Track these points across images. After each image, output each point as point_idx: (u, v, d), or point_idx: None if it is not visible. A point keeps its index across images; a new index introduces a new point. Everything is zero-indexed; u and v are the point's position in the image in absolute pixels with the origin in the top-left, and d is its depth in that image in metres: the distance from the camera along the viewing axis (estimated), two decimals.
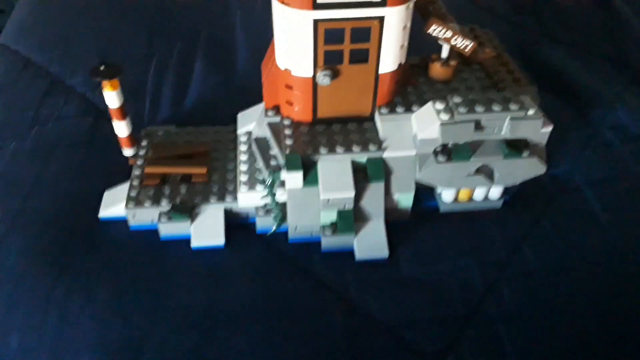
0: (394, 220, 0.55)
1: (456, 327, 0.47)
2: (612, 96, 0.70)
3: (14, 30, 0.88)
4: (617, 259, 0.53)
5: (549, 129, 0.52)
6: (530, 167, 0.53)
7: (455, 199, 0.57)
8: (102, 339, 0.46)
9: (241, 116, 0.63)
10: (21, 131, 0.67)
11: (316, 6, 0.45)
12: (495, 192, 0.57)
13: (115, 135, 0.60)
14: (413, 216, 0.56)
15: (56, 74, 0.76)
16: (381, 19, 0.47)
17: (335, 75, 0.51)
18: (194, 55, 0.79)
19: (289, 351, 0.46)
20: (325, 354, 0.45)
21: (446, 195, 0.57)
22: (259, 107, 0.62)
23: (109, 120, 0.68)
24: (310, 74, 0.50)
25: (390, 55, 0.50)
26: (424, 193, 0.57)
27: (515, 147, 0.52)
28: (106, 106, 0.69)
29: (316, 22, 0.47)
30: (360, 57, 0.50)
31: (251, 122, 0.61)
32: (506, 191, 0.57)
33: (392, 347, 0.46)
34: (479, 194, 0.57)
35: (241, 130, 0.61)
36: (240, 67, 0.78)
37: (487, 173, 0.54)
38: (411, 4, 0.48)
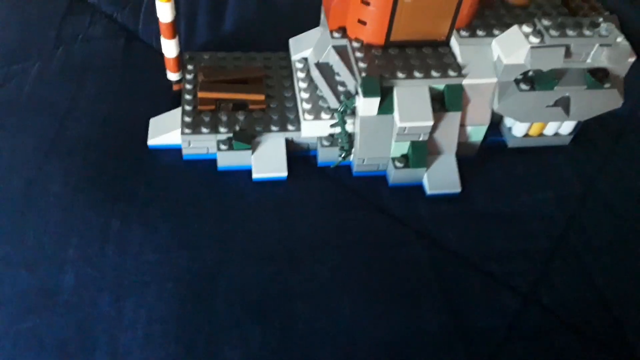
0: (462, 155, 0.53)
1: (543, 260, 0.46)
2: None
3: None
4: None
5: (633, 58, 0.50)
6: (609, 100, 0.51)
7: (526, 134, 0.55)
8: (171, 271, 0.43)
9: (294, 41, 0.58)
10: (44, 51, 0.60)
11: None
12: (567, 127, 0.55)
13: (152, 59, 0.55)
14: (480, 151, 0.54)
15: None
16: None
17: None
18: None
19: (372, 279, 0.44)
20: (412, 285, 0.44)
21: (518, 129, 0.54)
22: (314, 32, 0.57)
23: (142, 43, 0.63)
24: None
25: None
26: (489, 128, 0.55)
27: (596, 79, 0.50)
28: (137, 27, 0.64)
29: None
30: None
31: (306, 48, 0.56)
32: (575, 126, 0.55)
33: (482, 282, 0.44)
34: (550, 129, 0.55)
35: (296, 56, 0.56)
36: None
37: (564, 106, 0.52)
38: None
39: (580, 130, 0.55)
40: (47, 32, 0.63)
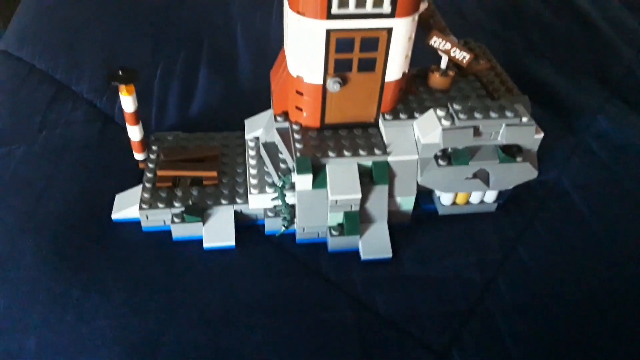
0: (396, 223, 0.58)
1: (458, 321, 0.50)
2: (594, 108, 0.75)
3: (15, 36, 0.89)
4: (605, 256, 0.57)
5: (540, 135, 0.56)
6: (523, 172, 0.57)
7: (453, 203, 0.60)
8: (120, 336, 0.48)
9: (248, 122, 0.65)
10: (29, 135, 0.68)
11: (330, 16, 0.48)
12: (490, 195, 0.60)
13: (125, 140, 0.62)
14: (413, 219, 0.59)
15: (62, 80, 0.77)
16: (389, 30, 0.50)
17: (344, 82, 0.54)
18: (198, 63, 0.81)
19: (302, 343, 0.48)
20: (336, 346, 0.48)
21: (445, 199, 0.60)
22: (266, 114, 0.64)
23: (117, 125, 0.70)
24: (321, 81, 0.53)
25: (396, 64, 0.53)
26: (422, 197, 0.61)
27: (510, 153, 0.56)
28: (113, 112, 0.72)
29: (329, 32, 0.50)
30: (367, 66, 0.53)
31: (258, 128, 0.63)
32: (500, 195, 0.61)
33: (399, 341, 0.48)
34: (475, 197, 0.60)
35: (249, 135, 0.63)
36: (243, 74, 0.80)
37: (483, 178, 0.57)
38: (416, 17, 0.52)
39: (508, 197, 0.61)
40: (34, 117, 0.71)
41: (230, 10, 0.94)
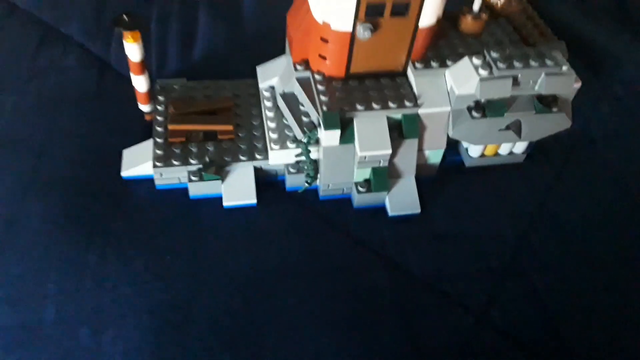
0: (422, 176, 0.56)
1: (494, 280, 0.49)
2: (618, 51, 0.71)
3: None
4: (636, 205, 0.56)
5: (578, 85, 0.53)
6: (558, 122, 0.54)
7: (482, 154, 0.58)
8: (146, 303, 0.46)
9: (261, 69, 0.60)
10: (18, 84, 0.62)
11: None
12: (520, 146, 0.58)
13: (125, 89, 0.57)
14: (439, 171, 0.57)
15: (48, 21, 0.69)
16: None
17: (374, 28, 0.49)
18: (196, 3, 0.74)
19: (336, 307, 0.47)
20: (373, 310, 0.47)
21: (473, 151, 0.57)
22: (280, 60, 0.59)
23: (114, 72, 0.65)
24: (350, 27, 0.48)
25: (431, 9, 0.49)
26: (449, 149, 0.58)
27: (544, 103, 0.53)
28: (109, 57, 0.66)
29: None
30: (400, 10, 0.49)
31: (273, 76, 0.58)
32: (528, 145, 0.59)
33: (436, 302, 0.47)
34: (504, 148, 0.58)
35: (263, 84, 0.59)
36: (247, 14, 0.74)
37: (515, 128, 0.55)
38: None
39: (535, 147, 0.59)
40: (21, 63, 0.64)
41: None
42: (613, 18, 0.77)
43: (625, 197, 0.56)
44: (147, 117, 0.58)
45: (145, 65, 0.54)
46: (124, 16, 0.49)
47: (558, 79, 0.51)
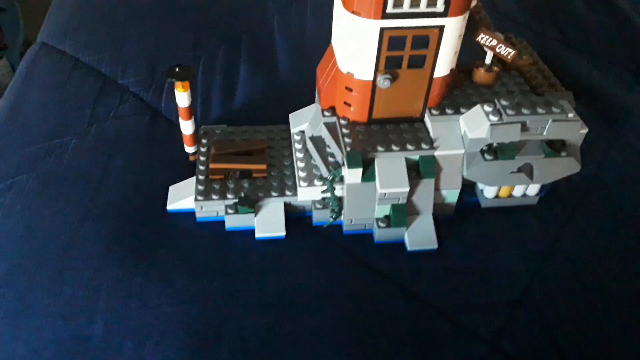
0: (440, 215, 0.60)
1: (507, 311, 0.52)
2: (631, 102, 0.75)
3: (55, 29, 0.91)
4: None
5: (585, 130, 0.57)
6: (567, 166, 0.58)
7: (496, 196, 0.62)
8: (184, 321, 0.50)
9: (293, 116, 0.67)
10: (80, 129, 0.70)
11: (385, 16, 0.50)
12: (533, 189, 0.61)
13: (173, 133, 0.64)
14: (456, 211, 0.61)
15: (107, 74, 0.79)
16: (441, 28, 0.52)
17: (393, 78, 0.55)
18: (238, 58, 0.83)
19: (356, 331, 0.50)
20: (390, 334, 0.50)
21: (488, 192, 0.61)
22: (311, 108, 0.66)
23: (164, 119, 0.73)
24: (371, 77, 0.55)
25: (445, 61, 0.55)
26: (466, 190, 0.62)
27: (554, 148, 0.57)
28: (160, 105, 0.75)
29: (382, 30, 0.51)
30: (416, 62, 0.55)
31: (303, 122, 0.65)
32: (542, 188, 0.62)
33: (451, 330, 0.50)
34: (518, 190, 0.61)
35: (294, 129, 0.65)
36: (282, 69, 0.82)
37: (527, 171, 0.59)
38: (467, 14, 0.53)
39: (548, 191, 0.62)
40: (83, 111, 0.73)
41: (266, 5, 0.96)
42: (626, 69, 0.81)
43: (636, 238, 0.59)
44: (192, 158, 0.65)
45: (191, 111, 0.61)
46: (176, 68, 0.57)
47: (564, 125, 0.55)
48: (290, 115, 0.67)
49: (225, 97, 0.76)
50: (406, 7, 0.50)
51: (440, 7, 0.50)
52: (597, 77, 0.80)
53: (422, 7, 0.50)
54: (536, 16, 0.93)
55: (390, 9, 0.50)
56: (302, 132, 0.65)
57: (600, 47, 0.86)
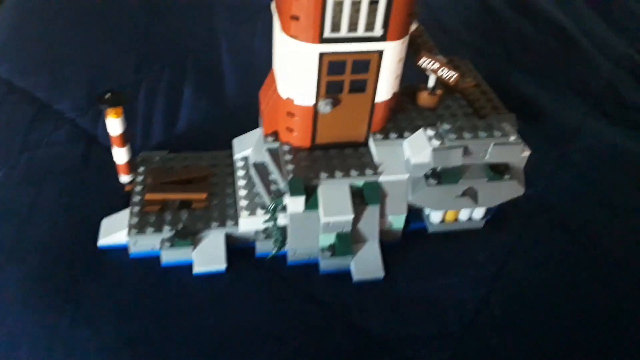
0: (386, 241, 0.58)
1: (452, 342, 0.50)
2: (576, 122, 0.76)
3: None
4: (594, 268, 0.58)
5: (527, 153, 0.57)
6: (510, 189, 0.58)
7: (442, 220, 0.61)
8: None
9: (237, 141, 0.65)
10: (10, 157, 0.66)
11: (323, 40, 0.48)
12: (479, 212, 0.61)
13: (109, 161, 0.60)
14: (403, 237, 0.60)
15: (43, 99, 0.75)
16: (380, 53, 0.51)
17: (335, 103, 0.54)
18: (182, 80, 0.80)
19: None
20: None
21: (434, 217, 0.60)
22: (254, 133, 0.64)
23: (100, 146, 0.69)
24: (312, 102, 0.53)
25: (386, 85, 0.54)
26: (412, 215, 0.61)
27: (497, 171, 0.57)
28: (96, 131, 0.71)
29: (322, 55, 0.50)
30: (358, 87, 0.54)
31: (247, 148, 0.63)
32: (487, 211, 0.62)
33: None
34: (463, 214, 0.61)
35: (237, 155, 0.63)
36: (229, 91, 0.80)
37: (472, 195, 0.58)
38: (407, 38, 0.52)
39: (495, 213, 0.62)
40: (15, 137, 0.69)
41: (214, 24, 0.94)
42: (570, 89, 0.83)
43: (583, 260, 0.59)
44: (127, 188, 0.61)
45: (125, 139, 0.58)
46: (107, 94, 0.54)
47: (506, 149, 0.55)
48: (234, 140, 0.65)
49: (168, 122, 0.73)
50: (344, 32, 0.49)
51: (378, 31, 0.49)
52: (543, 97, 0.81)
53: (360, 32, 0.49)
54: (484, 36, 0.94)
55: (327, 34, 0.49)
56: (246, 158, 0.63)
57: (546, 67, 0.88)
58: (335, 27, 0.48)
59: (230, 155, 0.64)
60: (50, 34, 0.89)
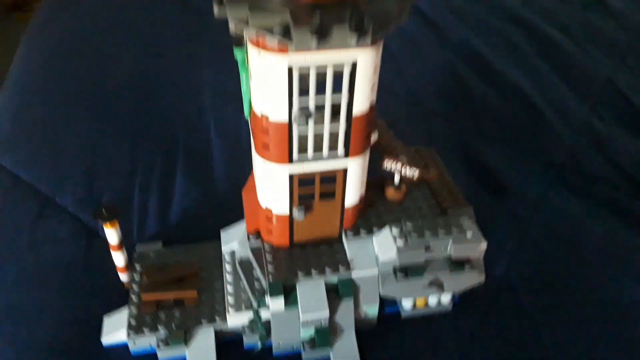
0: (363, 328, 0.64)
1: None
2: (538, 194, 0.82)
3: None
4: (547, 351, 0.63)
5: (484, 246, 0.62)
6: (472, 278, 0.63)
7: (414, 305, 0.67)
8: None
9: (224, 233, 0.71)
10: (19, 255, 0.72)
11: (292, 161, 0.55)
12: (446, 297, 0.67)
13: (110, 257, 0.66)
14: (379, 322, 0.65)
15: (46, 193, 0.81)
16: (345, 169, 0.57)
17: (308, 210, 0.60)
18: (174, 167, 0.86)
19: None
20: None
21: (406, 303, 0.66)
22: (241, 226, 0.70)
23: (101, 240, 0.75)
24: (287, 212, 0.59)
25: (354, 192, 0.60)
26: (386, 301, 0.66)
27: (458, 262, 0.63)
28: (97, 225, 0.77)
29: (292, 176, 0.56)
30: (327, 195, 0.60)
31: (234, 240, 0.69)
32: (454, 296, 0.67)
33: None
34: (432, 300, 0.66)
35: (225, 248, 0.69)
36: (218, 176, 0.86)
37: (437, 284, 0.63)
38: (368, 153, 0.59)
39: (462, 296, 0.67)
40: (21, 235, 0.75)
41: (202, 104, 1.00)
42: (535, 160, 0.89)
43: (536, 339, 0.64)
44: (126, 285, 0.68)
45: (122, 244, 0.64)
46: (102, 209, 0.60)
47: (464, 245, 0.61)
48: (221, 231, 0.70)
49: (161, 211, 0.79)
50: (310, 155, 0.55)
51: (341, 151, 0.56)
52: (508, 167, 0.86)
53: (325, 154, 0.56)
54: (454, 107, 1.01)
55: (296, 157, 0.55)
56: (233, 252, 0.69)
57: (511, 137, 0.94)
58: (302, 150, 0.55)
59: (219, 246, 0.70)
60: (49, 119, 0.95)
